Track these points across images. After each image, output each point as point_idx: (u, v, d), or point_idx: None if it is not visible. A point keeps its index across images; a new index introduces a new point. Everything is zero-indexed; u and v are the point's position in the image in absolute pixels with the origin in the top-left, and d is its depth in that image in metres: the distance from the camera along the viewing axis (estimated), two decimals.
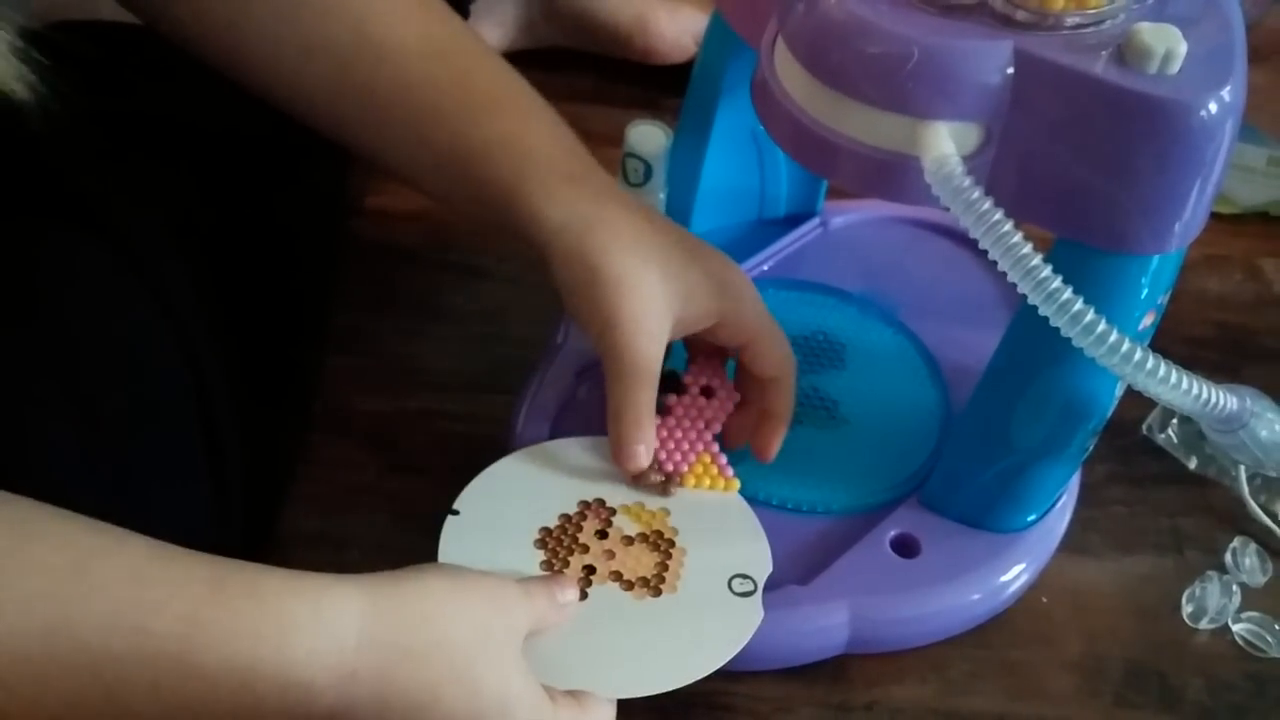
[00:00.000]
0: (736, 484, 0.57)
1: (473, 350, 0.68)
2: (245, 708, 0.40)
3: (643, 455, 0.53)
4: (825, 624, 0.55)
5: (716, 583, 0.53)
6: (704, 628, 0.51)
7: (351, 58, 0.52)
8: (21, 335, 0.49)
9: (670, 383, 0.58)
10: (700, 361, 0.59)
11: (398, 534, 0.60)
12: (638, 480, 0.55)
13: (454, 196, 0.54)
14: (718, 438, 0.58)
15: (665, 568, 0.53)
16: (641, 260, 0.51)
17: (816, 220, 0.71)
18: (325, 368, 0.66)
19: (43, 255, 0.52)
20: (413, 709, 0.42)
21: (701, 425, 0.58)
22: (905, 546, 0.58)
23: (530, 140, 0.52)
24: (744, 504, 0.56)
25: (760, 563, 0.54)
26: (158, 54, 0.57)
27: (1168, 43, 0.43)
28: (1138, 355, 0.44)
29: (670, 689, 0.49)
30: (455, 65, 0.53)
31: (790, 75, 0.47)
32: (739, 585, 0.53)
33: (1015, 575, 0.58)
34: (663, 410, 0.57)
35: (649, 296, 0.51)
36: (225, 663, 0.40)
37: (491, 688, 0.44)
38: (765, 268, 0.70)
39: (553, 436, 0.60)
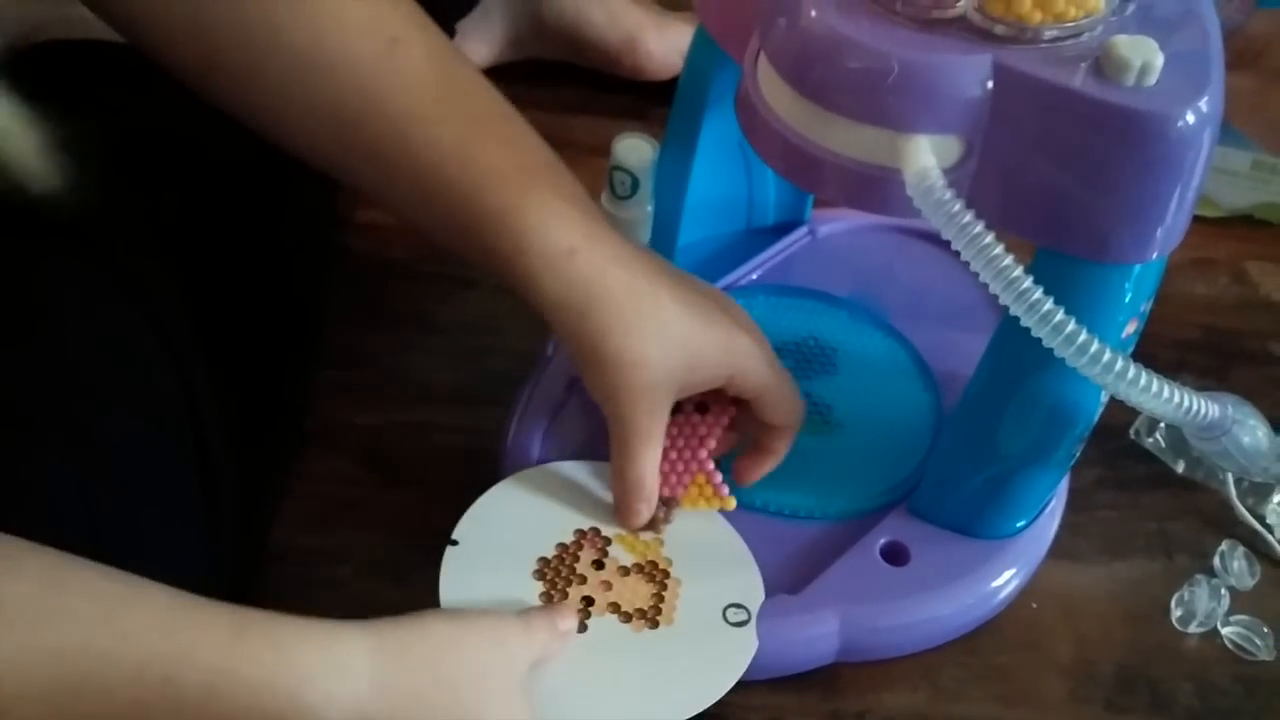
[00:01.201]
0: (732, 502, 0.57)
1: (464, 362, 0.68)
2: None
3: (643, 514, 0.55)
4: (816, 633, 0.55)
5: (712, 613, 0.53)
6: (701, 659, 0.52)
7: (358, 120, 0.52)
8: (17, 359, 0.49)
9: None
10: None
11: (391, 547, 0.60)
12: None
13: (465, 257, 0.55)
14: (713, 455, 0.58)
15: (661, 599, 0.53)
16: (642, 339, 0.52)
17: (804, 229, 0.72)
18: (317, 382, 0.67)
19: (39, 281, 0.52)
20: None
21: (696, 443, 0.57)
22: (895, 554, 0.58)
23: (531, 215, 0.51)
24: (735, 534, 0.57)
25: (753, 592, 0.54)
26: (139, 70, 0.57)
27: (1144, 55, 0.43)
28: (1119, 364, 0.45)
29: None
30: (460, 131, 0.52)
31: (773, 89, 0.48)
32: (733, 615, 0.53)
33: (1005, 581, 0.59)
34: None
35: (650, 376, 0.52)
36: (248, 711, 0.41)
37: None
38: (754, 276, 0.70)
39: (544, 448, 0.60)
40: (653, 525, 0.55)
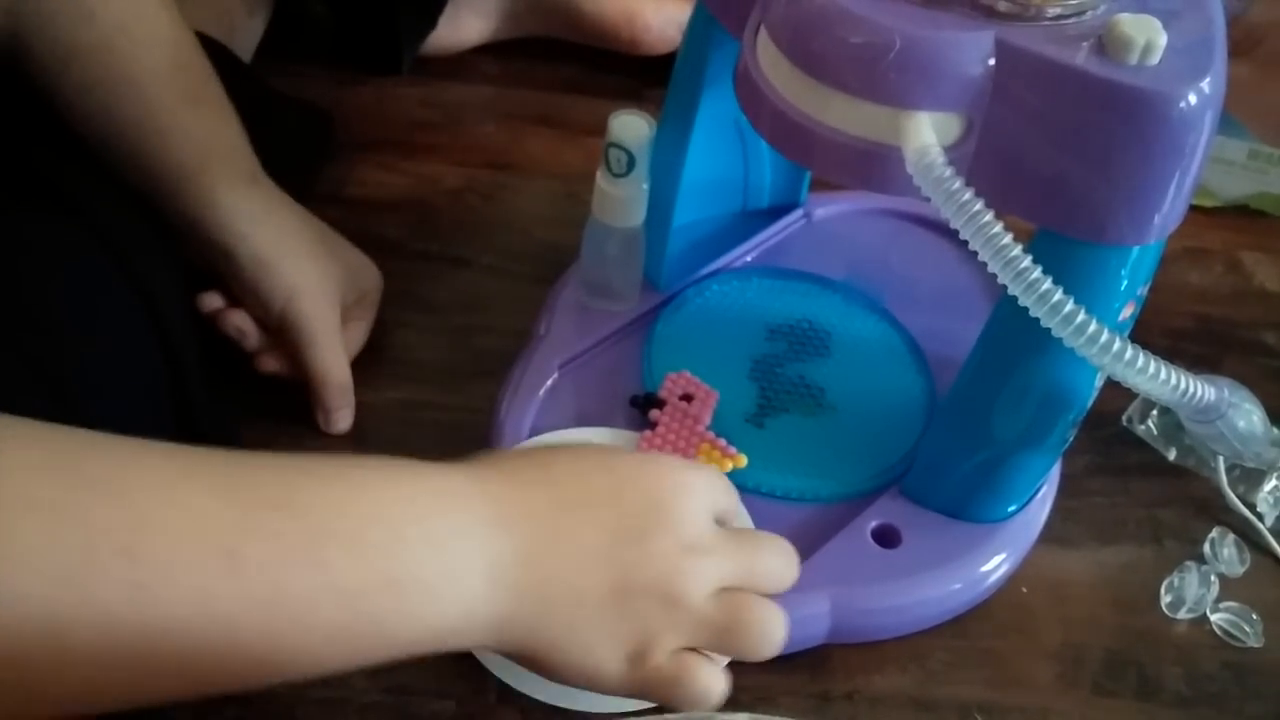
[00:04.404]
0: (743, 459, 0.58)
1: (455, 340, 0.68)
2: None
3: (344, 411, 0.62)
4: (806, 614, 0.55)
5: None
6: None
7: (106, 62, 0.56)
8: None
9: (651, 401, 0.60)
10: (671, 377, 0.61)
11: None
12: None
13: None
14: (710, 428, 0.59)
15: None
16: (294, 254, 0.61)
17: (800, 211, 0.72)
18: None
19: (22, 239, 0.51)
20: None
21: (691, 422, 0.59)
22: (886, 537, 0.58)
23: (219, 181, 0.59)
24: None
25: None
26: None
27: (1148, 34, 0.43)
28: (1116, 345, 0.44)
29: None
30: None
31: (772, 65, 0.47)
32: None
33: (995, 565, 0.59)
34: (652, 425, 0.59)
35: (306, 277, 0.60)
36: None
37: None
38: (749, 258, 0.70)
39: (535, 426, 0.60)
40: None
